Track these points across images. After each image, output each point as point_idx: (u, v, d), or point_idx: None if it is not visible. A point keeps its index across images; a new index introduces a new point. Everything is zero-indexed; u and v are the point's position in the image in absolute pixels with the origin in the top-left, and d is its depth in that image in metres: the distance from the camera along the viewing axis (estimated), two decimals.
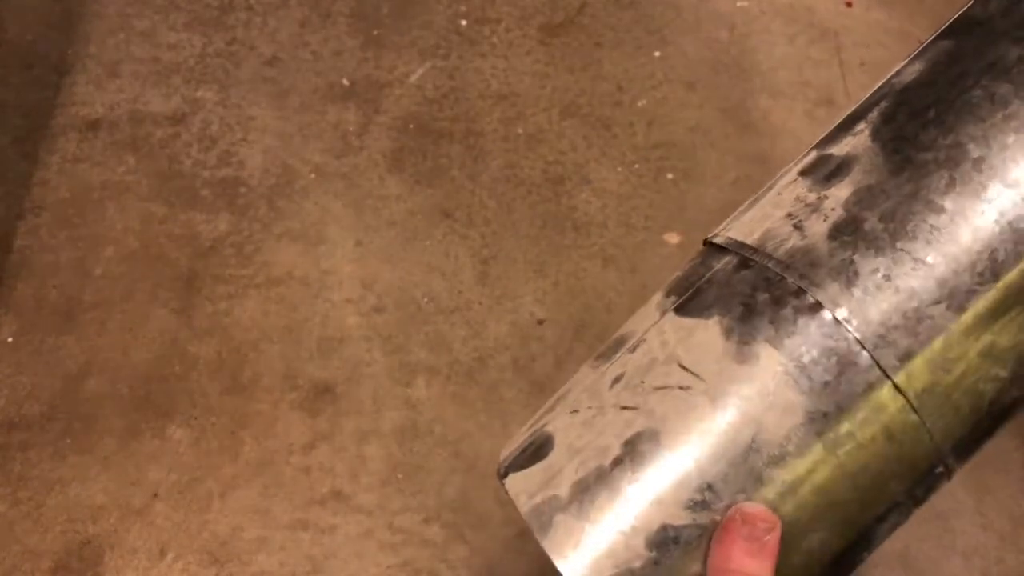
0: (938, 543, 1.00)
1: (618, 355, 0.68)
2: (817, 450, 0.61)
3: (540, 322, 1.17)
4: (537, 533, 0.62)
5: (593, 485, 0.62)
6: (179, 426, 1.08)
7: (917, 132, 0.63)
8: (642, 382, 0.64)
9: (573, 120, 1.38)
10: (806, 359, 0.62)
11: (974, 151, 0.60)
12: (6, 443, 1.07)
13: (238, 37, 1.47)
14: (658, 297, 0.71)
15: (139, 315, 1.18)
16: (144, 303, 1.19)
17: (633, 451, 0.62)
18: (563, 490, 0.62)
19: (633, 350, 0.67)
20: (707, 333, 0.64)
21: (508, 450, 0.68)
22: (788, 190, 0.67)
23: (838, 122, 0.69)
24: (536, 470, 0.64)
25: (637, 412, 0.63)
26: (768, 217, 0.66)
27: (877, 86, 0.69)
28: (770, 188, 0.69)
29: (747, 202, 0.70)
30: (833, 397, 0.61)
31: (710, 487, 0.60)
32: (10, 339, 1.15)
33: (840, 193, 0.64)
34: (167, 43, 1.46)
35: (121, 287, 1.20)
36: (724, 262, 0.67)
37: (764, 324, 0.63)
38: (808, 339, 0.62)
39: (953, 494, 1.03)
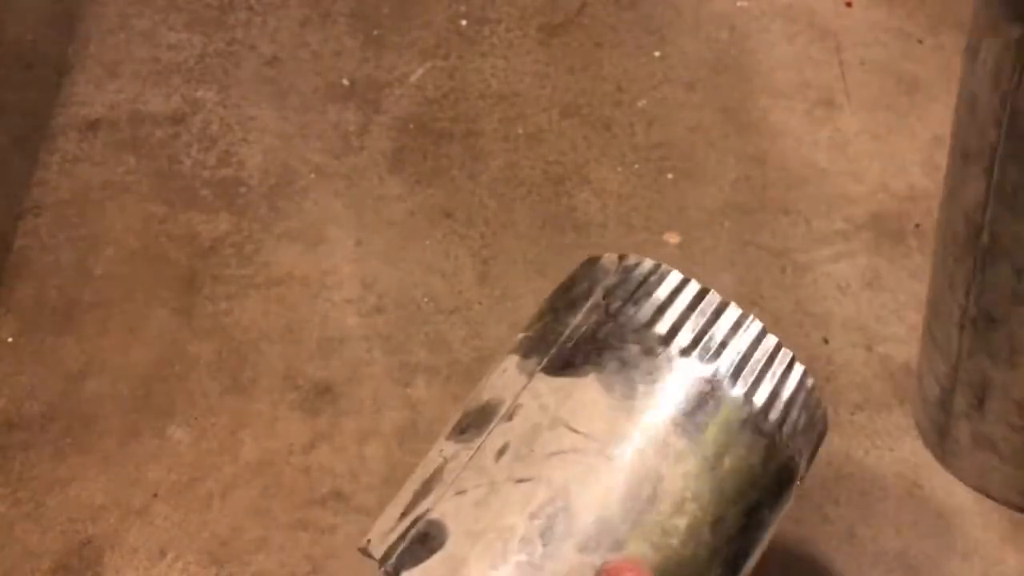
0: (938, 543, 1.00)
1: (492, 425, 0.66)
2: (708, 489, 0.63)
3: None
4: None
5: (503, 567, 0.59)
6: (179, 426, 1.08)
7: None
8: (532, 450, 0.63)
9: (573, 120, 1.38)
10: (687, 405, 0.64)
11: None
12: (6, 443, 1.07)
13: (238, 37, 1.47)
14: (515, 360, 0.69)
15: (139, 315, 1.18)
16: (144, 303, 1.19)
17: (542, 524, 0.60)
18: None
19: (510, 418, 0.65)
20: (587, 391, 0.64)
21: (385, 542, 0.64)
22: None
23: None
24: (435, 563, 0.60)
25: (535, 482, 0.61)
26: None
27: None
28: None
29: None
30: (716, 436, 0.64)
31: (621, 545, 0.60)
32: (10, 339, 1.15)
33: None
34: (167, 43, 1.46)
35: (121, 287, 1.20)
36: (582, 318, 0.68)
37: (642, 375, 0.64)
38: (685, 385, 0.64)
39: (953, 494, 1.03)
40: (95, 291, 1.19)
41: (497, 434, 0.65)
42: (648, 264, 0.69)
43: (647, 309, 0.66)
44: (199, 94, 1.40)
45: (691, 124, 1.38)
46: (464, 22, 1.49)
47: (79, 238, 1.24)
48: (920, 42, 1.45)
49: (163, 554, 0.99)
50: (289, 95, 1.40)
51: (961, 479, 1.02)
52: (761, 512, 0.65)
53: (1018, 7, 0.80)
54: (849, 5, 1.51)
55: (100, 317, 1.17)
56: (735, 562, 0.65)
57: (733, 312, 0.67)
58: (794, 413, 0.67)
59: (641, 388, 0.64)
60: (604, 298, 0.68)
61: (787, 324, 1.16)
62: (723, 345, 0.66)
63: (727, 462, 0.63)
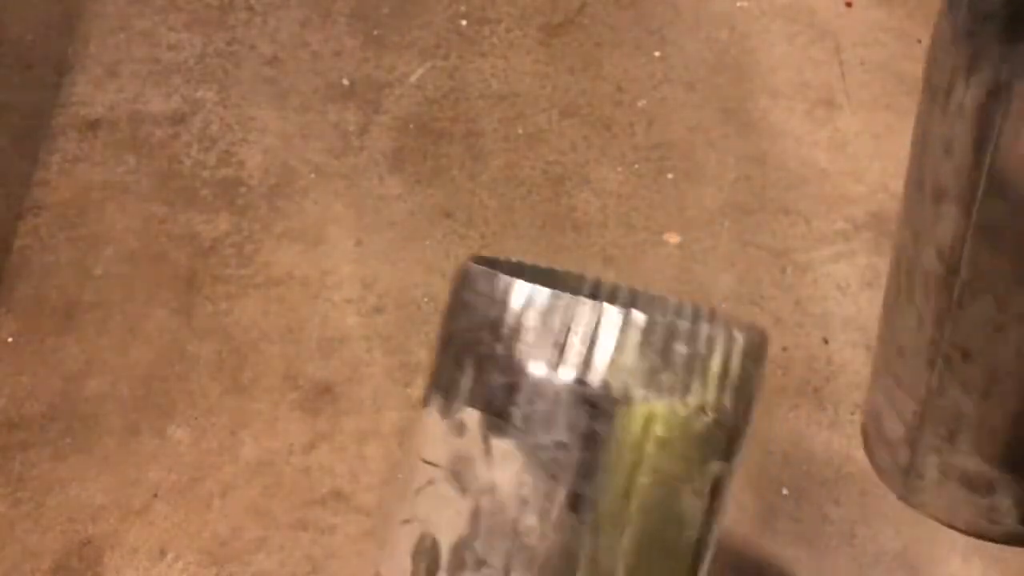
0: (938, 543, 1.00)
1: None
2: (551, 478, 0.63)
3: None
4: None
5: None
6: (179, 426, 1.08)
7: None
8: (408, 490, 0.68)
9: (573, 120, 1.38)
10: (515, 407, 0.64)
11: None
12: (6, 443, 1.07)
13: (238, 37, 1.47)
14: None
15: (139, 315, 1.18)
16: (144, 303, 1.19)
17: (421, 562, 0.66)
18: None
19: (405, 461, 0.72)
20: (430, 420, 0.67)
21: None
22: None
23: None
24: None
25: (412, 522, 0.67)
26: None
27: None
28: None
29: None
30: (545, 424, 0.63)
31: (485, 563, 0.64)
32: (10, 339, 1.15)
33: None
34: (167, 43, 1.46)
35: (121, 287, 1.20)
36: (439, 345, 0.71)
37: (464, 391, 0.66)
38: (504, 386, 0.64)
39: None
40: (95, 291, 1.19)
41: (400, 480, 0.71)
42: (464, 268, 0.69)
43: (463, 321, 0.67)
44: (199, 94, 1.40)
45: (691, 124, 1.38)
46: (464, 22, 1.49)
47: (79, 238, 1.24)
48: (920, 42, 1.45)
49: (163, 554, 0.99)
50: (289, 95, 1.40)
51: (926, 513, 1.00)
52: (645, 476, 0.63)
53: (1003, 44, 0.78)
54: (849, 5, 1.52)
55: (100, 317, 1.17)
56: (658, 537, 0.64)
57: (550, 298, 0.64)
58: (631, 358, 0.62)
59: (464, 402, 0.65)
60: (444, 319, 0.70)
61: (787, 324, 1.16)
62: (527, 332, 0.64)
63: (572, 439, 0.63)
